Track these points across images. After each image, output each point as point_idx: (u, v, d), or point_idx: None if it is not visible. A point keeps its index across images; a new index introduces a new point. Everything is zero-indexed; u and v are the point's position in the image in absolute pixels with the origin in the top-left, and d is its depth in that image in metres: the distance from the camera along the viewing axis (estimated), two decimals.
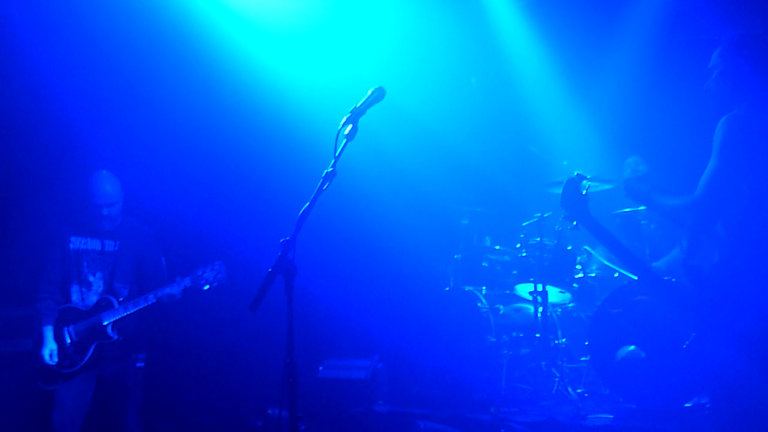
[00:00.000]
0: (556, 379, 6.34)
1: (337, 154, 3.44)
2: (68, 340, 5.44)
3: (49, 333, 5.43)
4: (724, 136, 3.46)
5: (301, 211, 3.31)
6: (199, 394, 7.04)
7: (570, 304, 6.95)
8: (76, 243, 5.60)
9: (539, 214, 6.57)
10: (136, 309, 5.41)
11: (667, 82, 7.00)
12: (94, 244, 5.62)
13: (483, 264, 7.22)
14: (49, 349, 5.40)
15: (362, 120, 3.54)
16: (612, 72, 7.46)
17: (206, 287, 5.42)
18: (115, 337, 5.42)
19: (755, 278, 3.35)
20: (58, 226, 5.66)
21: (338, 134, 3.47)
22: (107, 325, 5.40)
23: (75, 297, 5.53)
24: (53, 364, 5.38)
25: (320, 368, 6.71)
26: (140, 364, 5.61)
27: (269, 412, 6.35)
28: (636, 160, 3.90)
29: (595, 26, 7.49)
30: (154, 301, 5.38)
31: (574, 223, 3.77)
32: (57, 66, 6.63)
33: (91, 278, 5.56)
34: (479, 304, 6.78)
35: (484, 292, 6.92)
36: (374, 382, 6.52)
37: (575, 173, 3.85)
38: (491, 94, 7.95)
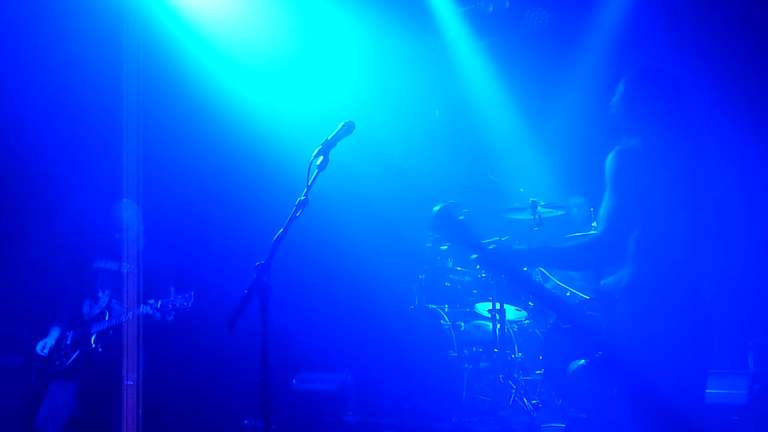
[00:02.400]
0: (513, 391, 6.35)
1: (309, 183, 3.45)
2: (66, 343, 5.52)
3: (54, 332, 5.64)
4: (616, 171, 3.33)
5: (276, 236, 3.32)
6: (180, 406, 6.97)
7: (525, 321, 6.98)
8: (99, 263, 5.77)
9: (497, 238, 6.60)
10: (116, 323, 5.47)
11: None
12: (112, 265, 5.79)
13: (446, 284, 7.24)
14: (44, 341, 5.58)
15: (333, 151, 3.56)
16: (567, 103, 7.54)
17: (172, 314, 5.45)
18: (93, 346, 5.45)
19: (662, 300, 3.27)
20: (86, 248, 5.88)
21: (311, 165, 3.49)
22: (92, 334, 5.46)
23: (85, 309, 5.66)
24: (44, 355, 5.50)
25: (294, 381, 6.72)
26: (129, 382, 5.58)
27: (245, 422, 6.33)
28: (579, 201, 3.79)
29: (551, 60, 7.57)
30: (131, 318, 5.41)
31: (446, 246, 3.69)
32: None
33: (100, 294, 5.70)
34: (442, 321, 6.79)
35: (446, 310, 6.93)
36: (344, 394, 6.54)
37: (449, 201, 3.74)
38: (454, 126, 8.00)
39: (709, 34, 6.74)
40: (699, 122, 3.47)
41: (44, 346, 5.55)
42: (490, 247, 3.41)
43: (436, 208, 3.52)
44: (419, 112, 7.76)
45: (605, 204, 3.34)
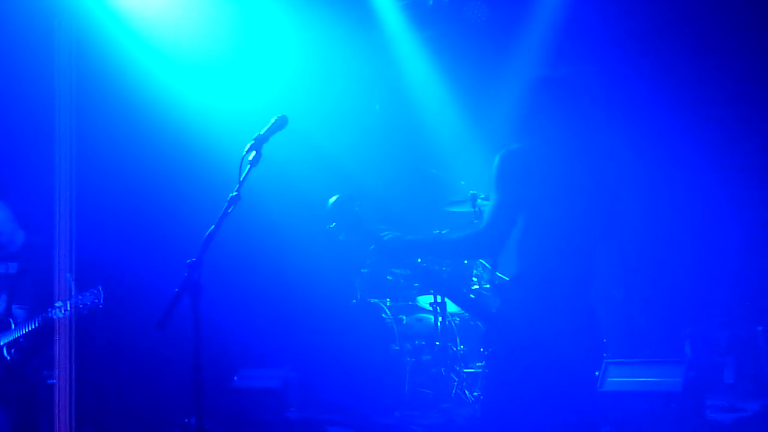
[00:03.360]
0: (455, 384, 6.36)
1: (241, 179, 3.38)
2: None
3: None
4: (498, 171, 3.45)
5: (207, 233, 3.25)
6: (120, 404, 6.87)
7: (467, 314, 6.99)
8: None
9: (437, 231, 6.59)
10: (26, 330, 5.28)
11: None
12: None
13: (387, 278, 7.22)
14: None
15: (266, 146, 3.50)
16: (506, 96, 7.56)
17: (85, 312, 5.30)
18: (8, 357, 5.26)
19: (542, 291, 3.38)
20: None
21: (242, 160, 3.42)
22: (3, 346, 5.25)
23: None
24: None
25: (235, 378, 6.64)
26: (52, 381, 5.48)
27: (185, 421, 6.24)
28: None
29: (490, 53, 7.58)
30: (40, 323, 5.24)
31: (341, 237, 3.69)
32: None
33: None
34: (384, 315, 6.78)
35: (388, 304, 6.92)
36: (286, 390, 6.49)
37: (346, 193, 3.75)
38: (394, 120, 7.98)
39: (651, 29, 6.81)
40: (594, 130, 3.57)
41: None
42: (385, 238, 3.51)
43: (332, 199, 3.54)
44: (358, 107, 7.72)
45: (490, 201, 3.49)
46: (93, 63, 6.63)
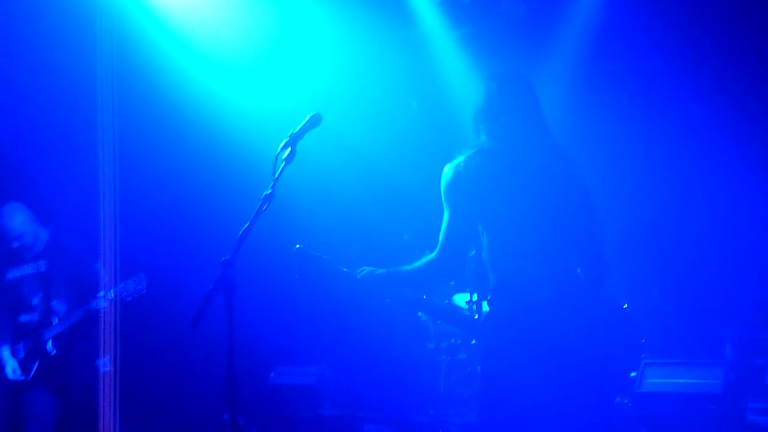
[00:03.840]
0: None
1: (275, 176, 3.38)
2: (20, 357, 5.38)
3: (5, 352, 5.45)
4: (443, 187, 3.39)
5: (241, 231, 3.25)
6: (158, 399, 6.93)
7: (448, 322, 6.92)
8: (13, 272, 5.54)
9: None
10: (69, 324, 5.35)
11: (594, 106, 7.03)
12: (29, 268, 5.57)
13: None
14: (11, 366, 5.41)
15: (300, 144, 3.49)
16: (543, 93, 7.47)
17: (129, 299, 5.36)
18: (54, 352, 5.34)
19: (510, 305, 3.29)
20: None
21: (277, 158, 3.42)
22: (47, 341, 5.34)
23: (23, 319, 5.48)
24: (17, 378, 5.38)
25: (271, 375, 6.68)
26: (107, 368, 5.59)
27: (224, 417, 6.27)
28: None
29: (528, 50, 7.50)
30: (83, 314, 5.31)
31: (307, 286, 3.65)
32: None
33: (34, 301, 5.50)
34: (419, 313, 6.74)
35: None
36: (322, 387, 6.49)
37: (301, 244, 3.69)
38: (431, 118, 7.94)
39: (692, 28, 6.69)
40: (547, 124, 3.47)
41: (13, 369, 5.40)
42: (358, 276, 3.50)
43: (294, 248, 3.52)
44: (395, 105, 7.69)
45: (443, 221, 3.39)
46: (131, 61, 6.68)
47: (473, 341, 6.50)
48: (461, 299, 6.91)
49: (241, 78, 7.16)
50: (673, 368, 5.19)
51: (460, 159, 3.41)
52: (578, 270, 3.38)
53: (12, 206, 5.62)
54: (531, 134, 3.39)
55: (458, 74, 7.90)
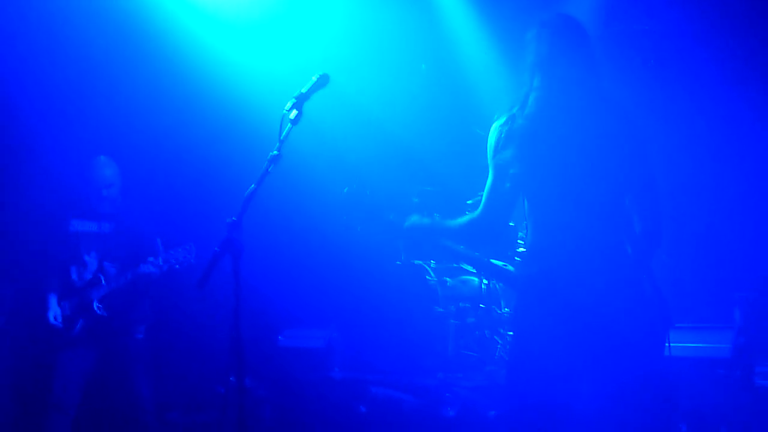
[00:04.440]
0: (499, 346, 6.32)
1: (281, 137, 3.34)
2: (65, 314, 5.47)
3: (53, 300, 5.48)
4: (491, 147, 3.23)
5: (247, 192, 3.22)
6: (166, 363, 6.95)
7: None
8: (76, 225, 5.65)
9: (482, 193, 6.51)
10: (117, 286, 5.44)
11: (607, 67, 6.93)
12: (91, 226, 5.65)
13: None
14: (53, 312, 5.45)
15: (307, 106, 3.44)
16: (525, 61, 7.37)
17: (178, 267, 5.43)
18: (99, 312, 5.42)
19: (556, 264, 3.16)
20: (59, 210, 5.71)
21: (283, 119, 3.37)
22: (93, 301, 5.41)
23: (73, 275, 5.56)
24: (57, 325, 5.41)
25: (280, 338, 6.70)
26: (140, 336, 5.68)
27: (231, 379, 6.29)
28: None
29: (539, 10, 7.38)
30: (131, 278, 5.37)
31: (358, 229, 3.57)
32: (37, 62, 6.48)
33: (87, 258, 5.61)
34: (428, 277, 6.74)
35: (432, 266, 6.87)
36: (330, 350, 6.53)
37: (357, 184, 3.61)
38: (440, 80, 7.86)
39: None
40: (603, 74, 3.28)
41: (54, 316, 5.45)
42: (405, 226, 3.38)
43: (344, 191, 3.43)
44: (403, 67, 7.61)
45: (487, 181, 3.26)
46: (138, 24, 6.63)
47: (482, 305, 6.50)
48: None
49: (248, 38, 7.09)
50: (682, 332, 5.17)
51: (505, 117, 3.23)
52: (627, 247, 3.19)
53: (106, 159, 5.72)
54: (587, 89, 3.19)
55: (468, 37, 7.82)
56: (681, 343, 5.08)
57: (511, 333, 6.33)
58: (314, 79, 3.48)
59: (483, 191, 3.29)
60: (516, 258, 6.43)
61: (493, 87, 7.74)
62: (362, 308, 6.85)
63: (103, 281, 5.48)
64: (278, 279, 6.89)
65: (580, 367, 3.13)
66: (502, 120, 3.25)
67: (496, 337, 6.39)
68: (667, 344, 3.30)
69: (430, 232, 3.47)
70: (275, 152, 3.29)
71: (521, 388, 3.24)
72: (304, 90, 3.45)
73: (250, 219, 3.24)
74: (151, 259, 5.41)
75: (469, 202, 6.51)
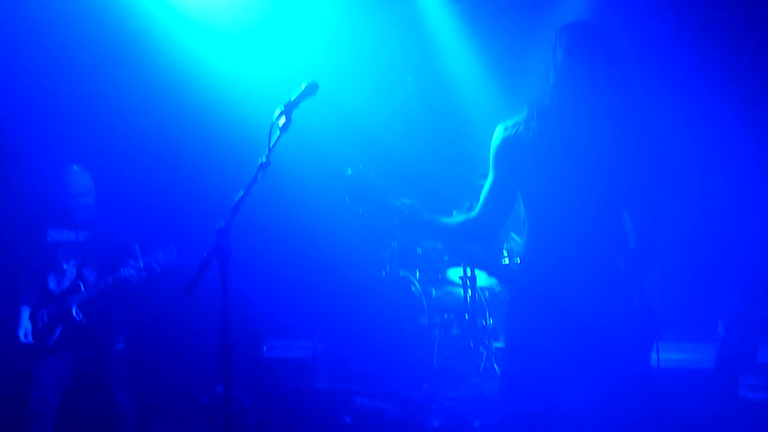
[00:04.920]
0: (484, 357, 6.32)
1: (271, 145, 3.32)
2: (43, 322, 5.41)
3: (25, 314, 5.45)
4: (492, 148, 3.23)
5: (236, 199, 3.20)
6: (150, 373, 6.90)
7: (497, 288, 6.93)
8: (53, 235, 5.60)
9: (468, 203, 6.52)
10: (96, 291, 5.39)
11: None
12: (69, 235, 5.61)
13: (417, 250, 7.16)
14: (24, 328, 5.41)
15: (296, 113, 3.43)
16: (542, 69, 7.40)
17: (159, 269, 5.39)
18: (78, 318, 5.37)
19: (548, 274, 3.16)
20: (35, 220, 5.66)
21: (272, 126, 3.36)
22: (71, 307, 5.37)
23: (51, 285, 5.52)
24: (28, 343, 5.37)
25: (264, 348, 6.66)
26: (120, 346, 5.61)
27: (216, 389, 6.26)
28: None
29: (526, 24, 7.43)
30: (111, 282, 5.33)
31: (359, 210, 3.54)
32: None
33: (65, 266, 5.55)
34: (413, 288, 6.73)
35: (417, 276, 6.87)
36: (315, 361, 6.49)
37: (359, 166, 3.60)
38: (427, 92, 7.88)
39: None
40: (629, 87, 3.21)
41: (25, 332, 5.39)
42: (405, 211, 3.35)
43: (347, 173, 3.42)
44: (391, 77, 7.63)
45: (487, 181, 3.26)
46: (123, 30, 6.61)
47: (467, 316, 6.51)
48: (454, 274, 6.92)
49: (236, 45, 7.09)
50: (667, 344, 5.18)
51: (511, 121, 3.22)
52: (620, 262, 3.18)
53: (79, 168, 5.65)
54: (600, 100, 3.15)
55: (454, 49, 7.85)
56: (667, 355, 5.08)
57: (502, 339, 6.37)
58: (303, 86, 3.47)
59: (468, 201, 3.30)
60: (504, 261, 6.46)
61: (480, 101, 7.78)
62: (347, 318, 6.84)
63: (82, 288, 5.44)
64: (263, 288, 6.87)
65: (569, 373, 3.13)
66: (510, 122, 3.23)
67: (480, 348, 6.39)
68: (654, 356, 3.29)
69: (427, 226, 3.44)
70: (264, 159, 3.28)
71: (513, 395, 3.24)
72: (293, 98, 3.44)
73: (237, 226, 3.23)
74: (131, 262, 5.37)
75: (454, 212, 6.51)
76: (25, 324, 5.43)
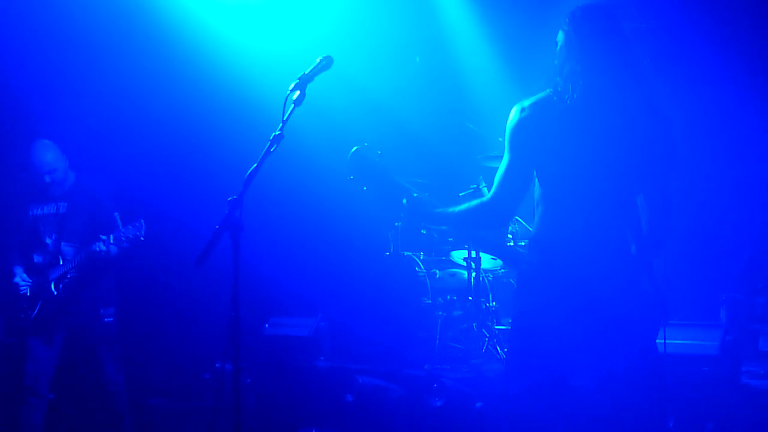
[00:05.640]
0: (486, 340, 6.33)
1: (284, 118, 3.33)
2: (26, 296, 5.40)
3: (18, 269, 5.49)
4: (508, 131, 3.21)
5: (249, 171, 3.21)
6: (149, 348, 6.92)
7: (501, 271, 6.94)
8: (35, 209, 5.60)
9: (474, 186, 6.52)
10: (72, 266, 5.39)
11: None
12: (49, 208, 5.59)
13: (422, 231, 7.16)
14: (19, 278, 5.45)
15: (310, 86, 3.44)
16: (550, 51, 7.38)
17: (127, 245, 5.33)
18: (56, 293, 5.38)
19: (559, 255, 3.18)
20: (19, 195, 5.65)
21: (286, 99, 3.37)
22: (51, 281, 5.36)
23: (36, 259, 5.54)
24: (25, 290, 5.41)
25: (266, 326, 6.67)
26: (109, 319, 5.60)
27: (217, 366, 6.28)
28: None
29: (535, 8, 7.40)
30: (84, 257, 5.32)
31: (364, 188, 3.52)
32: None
33: (47, 240, 5.57)
34: (417, 269, 6.74)
35: (421, 258, 6.88)
36: (317, 339, 6.50)
37: (365, 144, 3.59)
38: (434, 73, 7.87)
39: None
40: (638, 66, 3.22)
41: (22, 279, 5.43)
42: (413, 195, 3.35)
43: (352, 150, 3.42)
44: (401, 55, 7.62)
45: (501, 163, 3.25)
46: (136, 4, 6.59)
47: (470, 298, 6.52)
48: (458, 256, 6.93)
49: (249, 19, 7.06)
50: (672, 329, 5.20)
51: (526, 102, 3.21)
52: (632, 245, 3.20)
53: (43, 142, 5.58)
54: (617, 83, 3.16)
55: (462, 30, 7.83)
56: (670, 340, 5.10)
57: (505, 321, 6.38)
58: (318, 60, 3.48)
59: (474, 183, 3.30)
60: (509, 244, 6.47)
61: (486, 82, 7.77)
62: (350, 297, 6.85)
63: (60, 262, 5.44)
64: (266, 265, 6.86)
65: (576, 352, 3.15)
66: (526, 104, 3.22)
67: (483, 330, 6.40)
68: (661, 340, 3.32)
69: (434, 217, 3.44)
70: (278, 132, 3.28)
71: (520, 372, 3.26)
72: (307, 71, 3.45)
73: (249, 198, 3.24)
74: (103, 237, 5.32)
75: (461, 194, 6.53)
76: (21, 275, 5.45)
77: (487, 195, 3.28)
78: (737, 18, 6.42)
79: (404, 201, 3.41)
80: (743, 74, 6.44)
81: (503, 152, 3.27)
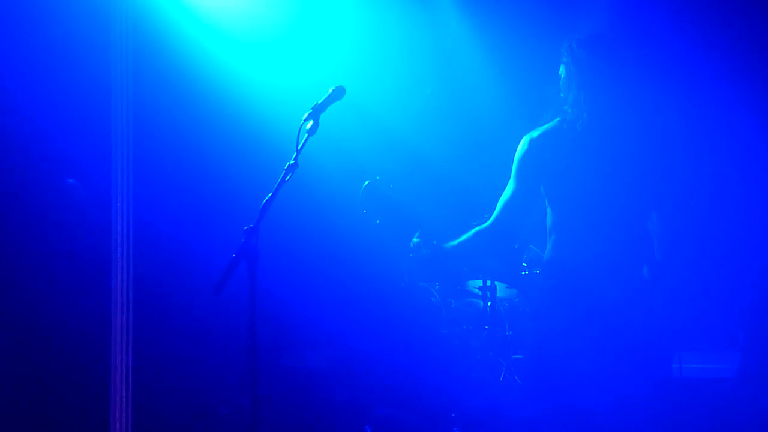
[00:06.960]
0: (503, 369, 6.32)
1: (299, 147, 3.39)
2: None
3: None
4: (517, 159, 3.33)
5: (264, 200, 3.26)
6: (164, 383, 6.91)
7: (517, 299, 6.94)
8: None
9: (488, 215, 6.54)
10: None
11: None
12: None
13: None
14: None
15: (323, 116, 3.50)
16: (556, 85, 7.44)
17: None
18: None
19: (570, 281, 3.25)
20: None
21: (300, 129, 3.43)
22: None
23: None
24: None
25: (283, 357, 6.68)
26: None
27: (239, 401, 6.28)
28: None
29: (547, 43, 7.45)
30: None
31: (376, 221, 3.58)
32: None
33: None
34: (432, 299, 6.76)
35: (437, 287, 6.89)
36: (334, 371, 6.50)
37: (376, 177, 3.65)
38: (444, 105, 7.92)
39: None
40: (644, 98, 3.33)
41: None
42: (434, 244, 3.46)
43: (364, 184, 3.48)
44: (414, 84, 7.68)
45: (506, 189, 3.36)
46: (148, 38, 6.66)
47: (486, 327, 6.53)
48: (474, 285, 6.93)
49: (261, 52, 7.13)
50: (686, 353, 5.19)
51: (536, 133, 3.32)
52: (644, 270, 3.29)
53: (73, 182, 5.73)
54: (617, 111, 3.26)
55: (473, 64, 7.89)
56: (687, 364, 5.10)
57: (521, 350, 6.38)
58: (330, 91, 3.55)
59: (487, 213, 3.37)
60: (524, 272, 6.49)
61: (498, 118, 7.81)
62: (367, 328, 6.85)
63: None
64: (279, 298, 6.88)
65: (590, 377, 3.18)
66: (535, 134, 3.31)
67: (500, 359, 6.39)
68: (675, 364, 3.35)
69: (443, 258, 3.51)
70: (292, 161, 3.34)
71: (535, 397, 3.29)
72: (320, 101, 3.51)
73: (264, 228, 3.28)
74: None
75: (474, 224, 6.54)
76: None
77: (489, 220, 3.35)
78: (736, 20, 6.45)
79: (415, 239, 3.46)
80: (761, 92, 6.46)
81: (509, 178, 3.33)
